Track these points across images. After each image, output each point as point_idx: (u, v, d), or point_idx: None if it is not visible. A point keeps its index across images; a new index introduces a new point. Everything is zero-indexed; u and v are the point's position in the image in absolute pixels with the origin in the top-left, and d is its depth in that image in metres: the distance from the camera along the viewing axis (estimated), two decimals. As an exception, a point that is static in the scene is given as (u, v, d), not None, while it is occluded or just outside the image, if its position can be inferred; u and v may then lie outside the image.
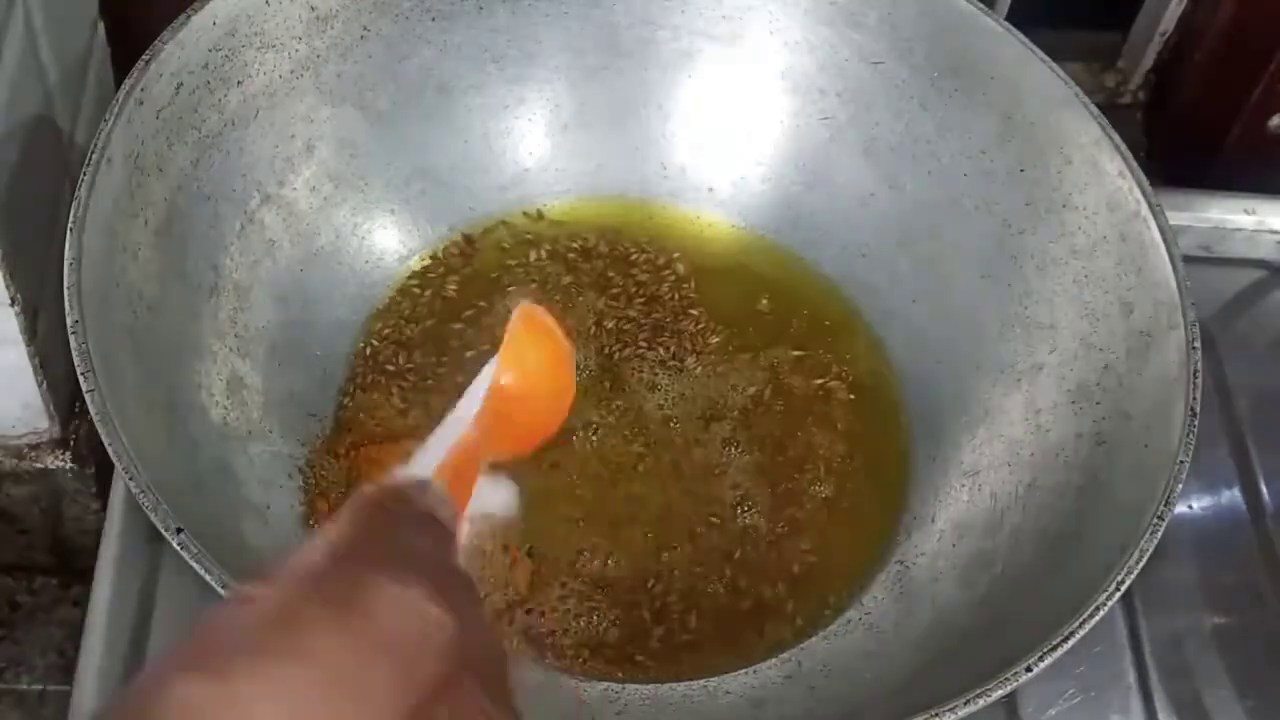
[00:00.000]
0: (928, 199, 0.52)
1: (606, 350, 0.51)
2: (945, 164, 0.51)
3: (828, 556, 0.47)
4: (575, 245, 0.54)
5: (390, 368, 0.50)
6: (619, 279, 0.53)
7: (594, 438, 0.49)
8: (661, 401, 0.50)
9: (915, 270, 0.52)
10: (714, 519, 0.48)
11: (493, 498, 0.32)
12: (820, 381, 0.51)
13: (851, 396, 0.51)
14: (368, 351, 0.50)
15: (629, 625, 0.45)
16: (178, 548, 0.35)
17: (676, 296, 0.53)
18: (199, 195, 0.46)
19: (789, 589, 0.46)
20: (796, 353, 0.52)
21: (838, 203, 0.54)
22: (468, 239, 0.54)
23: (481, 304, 0.52)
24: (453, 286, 0.52)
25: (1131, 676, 0.49)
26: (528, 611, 0.44)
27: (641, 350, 0.51)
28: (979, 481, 0.47)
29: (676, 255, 0.54)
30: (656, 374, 0.51)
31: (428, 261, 0.53)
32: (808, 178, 0.54)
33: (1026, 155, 0.49)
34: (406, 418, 0.48)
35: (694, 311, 0.53)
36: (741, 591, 0.46)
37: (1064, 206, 0.48)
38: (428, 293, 0.52)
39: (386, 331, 0.51)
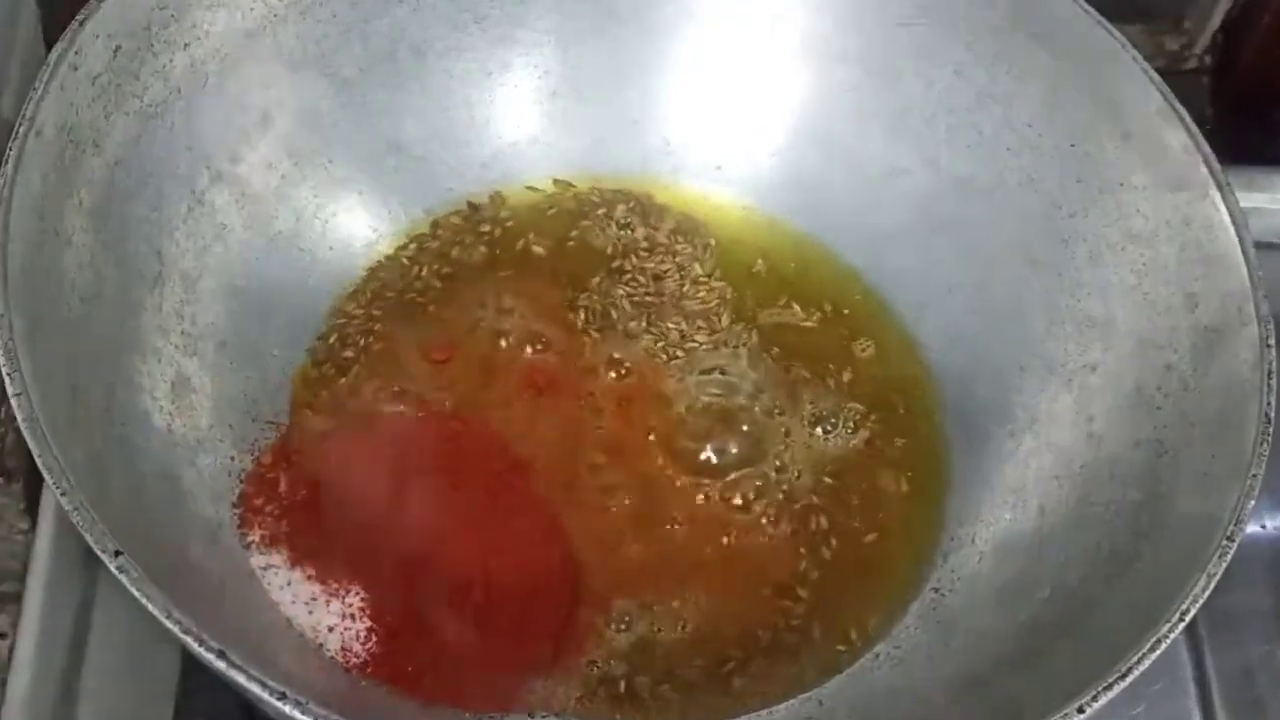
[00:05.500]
0: (965, 177, 0.52)
1: (602, 347, 0.52)
2: (985, 138, 0.51)
3: (855, 583, 0.47)
4: (567, 229, 0.54)
5: (349, 356, 0.50)
6: (620, 264, 0.54)
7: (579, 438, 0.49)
8: (666, 405, 0.50)
9: (951, 258, 0.52)
10: (728, 543, 0.48)
11: None
12: (842, 389, 0.52)
13: (878, 402, 0.51)
14: (331, 340, 0.50)
15: (635, 660, 0.45)
16: (116, 572, 0.35)
17: (684, 285, 0.53)
18: (140, 173, 0.45)
19: (811, 619, 0.46)
20: (818, 352, 0.53)
21: (862, 182, 0.54)
22: (436, 224, 0.54)
23: (462, 295, 0.52)
24: (427, 274, 0.53)
25: (1197, 717, 0.49)
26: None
27: (646, 342, 0.52)
28: (1023, 497, 0.47)
29: (681, 240, 0.54)
30: (655, 371, 0.51)
31: (399, 247, 0.53)
32: (828, 154, 0.54)
33: (1078, 128, 0.49)
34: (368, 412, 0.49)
35: (700, 302, 0.53)
36: (759, 623, 0.46)
37: (1120, 186, 0.48)
38: (401, 280, 0.52)
39: (352, 324, 0.51)
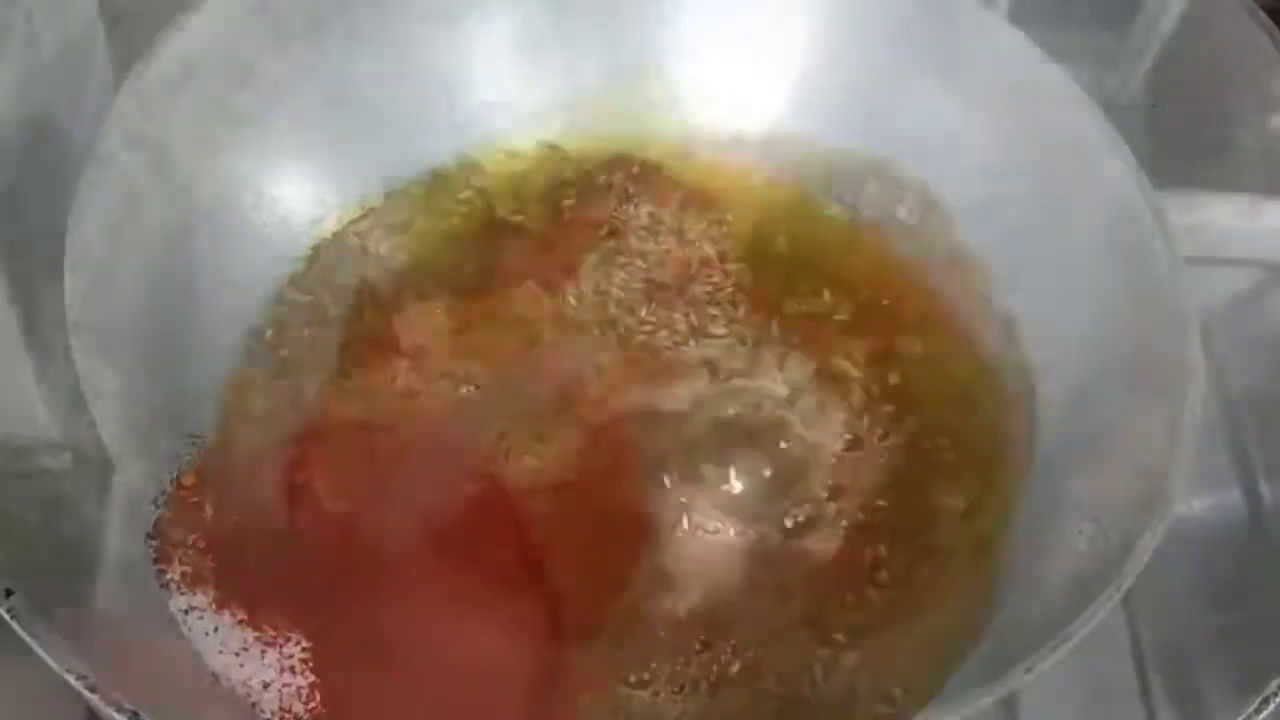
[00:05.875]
0: (1042, 137, 0.51)
1: (598, 342, 0.51)
2: (1061, 94, 0.50)
3: (904, 627, 0.46)
4: (555, 203, 0.54)
5: (289, 355, 0.50)
6: (618, 243, 0.53)
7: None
8: (674, 413, 0.50)
9: (1021, 236, 0.51)
10: (755, 579, 0.47)
11: None
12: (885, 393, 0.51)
13: (928, 408, 0.50)
14: (268, 335, 0.50)
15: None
16: (6, 616, 0.35)
17: (693, 269, 0.53)
18: (33, 131, 0.46)
19: (855, 671, 0.45)
20: (856, 350, 0.52)
21: (909, 148, 0.53)
22: (393, 195, 0.54)
23: (426, 281, 0.52)
24: (384, 254, 0.53)
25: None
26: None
27: (647, 337, 0.51)
28: (1104, 526, 0.45)
29: (691, 214, 0.54)
30: (661, 372, 0.51)
31: (350, 222, 0.53)
32: (871, 112, 0.53)
33: (1174, 81, 0.51)
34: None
35: (713, 288, 0.53)
36: (793, 675, 0.45)
37: (1223, 148, 0.48)
38: (352, 262, 0.52)
39: (293, 315, 0.51)
